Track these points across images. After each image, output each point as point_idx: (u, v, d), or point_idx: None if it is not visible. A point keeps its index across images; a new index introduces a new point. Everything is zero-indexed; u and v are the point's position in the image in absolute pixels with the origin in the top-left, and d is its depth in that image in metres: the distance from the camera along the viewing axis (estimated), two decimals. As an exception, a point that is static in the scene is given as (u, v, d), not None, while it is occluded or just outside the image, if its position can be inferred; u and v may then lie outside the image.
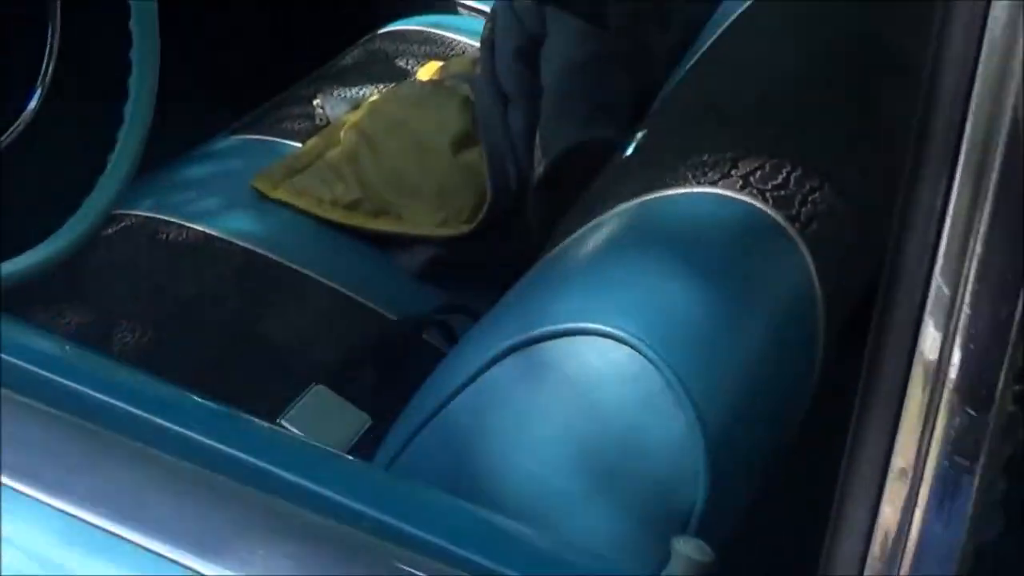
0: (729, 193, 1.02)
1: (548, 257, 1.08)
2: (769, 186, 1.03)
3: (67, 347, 1.03)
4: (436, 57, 1.94)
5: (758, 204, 1.02)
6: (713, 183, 1.02)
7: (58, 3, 1.25)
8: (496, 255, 1.52)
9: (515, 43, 1.56)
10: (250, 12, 2.35)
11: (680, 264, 0.97)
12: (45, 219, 1.35)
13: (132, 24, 1.29)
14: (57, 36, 1.27)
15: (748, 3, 1.40)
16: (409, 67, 1.92)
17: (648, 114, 1.35)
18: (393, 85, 1.84)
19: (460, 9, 2.27)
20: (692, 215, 1.03)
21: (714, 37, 1.41)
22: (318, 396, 1.34)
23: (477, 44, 1.93)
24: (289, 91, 1.88)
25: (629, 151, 1.12)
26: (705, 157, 1.05)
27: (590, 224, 1.05)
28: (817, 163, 1.10)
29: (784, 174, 1.04)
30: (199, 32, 2.55)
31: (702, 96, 1.29)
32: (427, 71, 1.85)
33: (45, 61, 1.27)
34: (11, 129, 1.22)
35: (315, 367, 1.39)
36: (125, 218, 1.56)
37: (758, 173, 1.03)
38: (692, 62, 1.41)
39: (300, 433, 1.26)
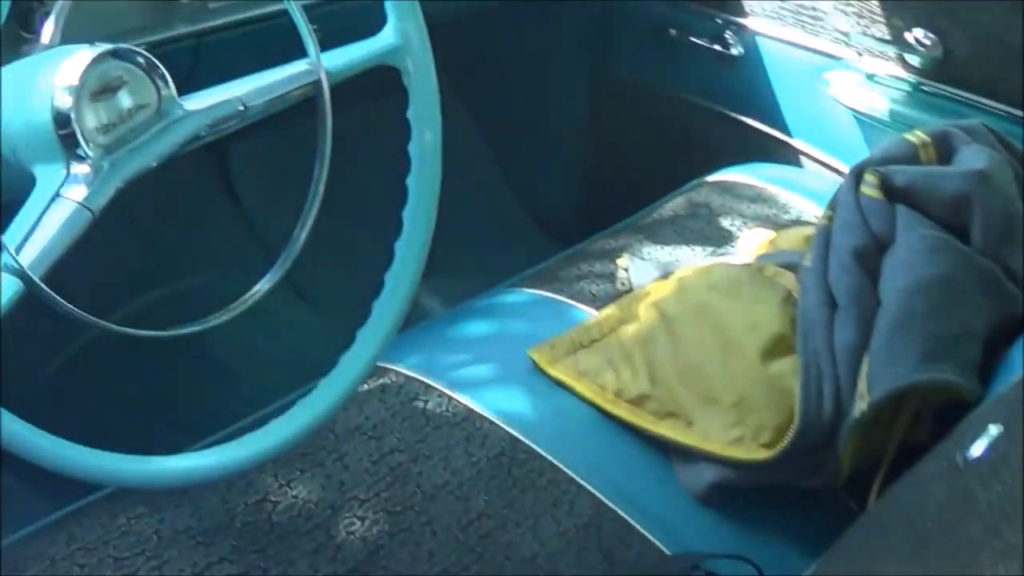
0: None
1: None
2: None
3: None
4: (766, 221, 1.72)
5: None
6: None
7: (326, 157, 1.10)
8: (793, 491, 1.28)
9: (855, 241, 1.32)
10: (571, 143, 2.23)
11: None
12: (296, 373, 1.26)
13: (412, 152, 1.20)
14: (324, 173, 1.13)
15: None
16: (734, 229, 1.71)
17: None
18: (711, 252, 1.63)
19: (803, 159, 2.05)
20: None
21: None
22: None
23: (817, 211, 1.71)
24: (593, 241, 1.69)
25: (974, 450, 0.87)
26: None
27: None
28: None
29: None
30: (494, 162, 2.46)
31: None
32: (752, 240, 1.63)
33: (308, 205, 1.13)
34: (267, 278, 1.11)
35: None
36: (386, 373, 1.39)
37: None
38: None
39: None
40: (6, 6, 1.20)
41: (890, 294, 1.26)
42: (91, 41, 1.11)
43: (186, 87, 1.58)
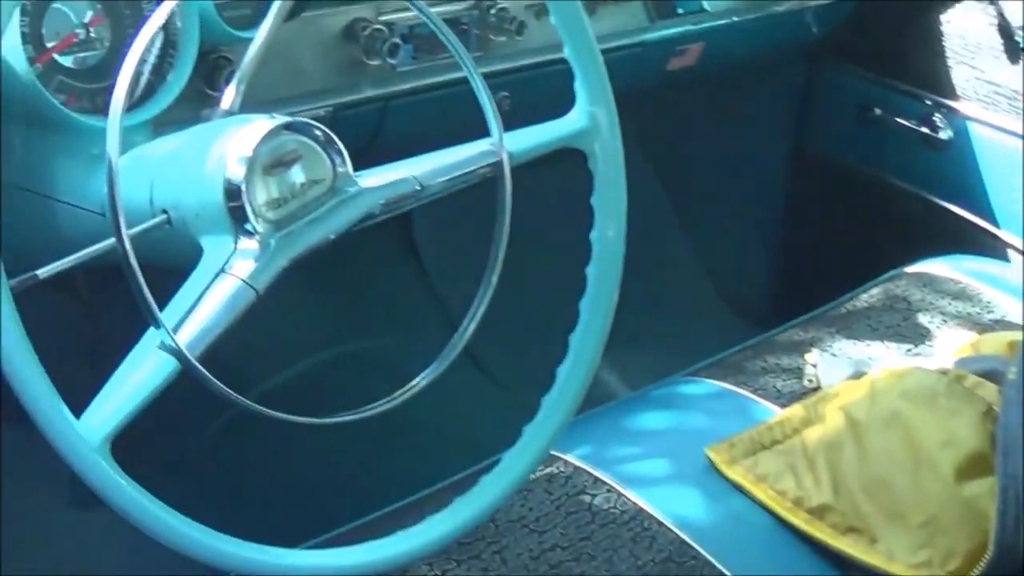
0: None
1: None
2: None
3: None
4: (968, 320, 1.63)
5: None
6: None
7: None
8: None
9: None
10: (764, 220, 2.17)
11: None
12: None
13: (594, 241, 1.16)
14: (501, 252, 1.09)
15: None
16: (932, 327, 1.62)
17: None
18: (906, 352, 1.54)
19: (1011, 254, 1.95)
20: None
21: None
22: None
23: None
24: (782, 330, 1.62)
25: None
26: None
27: None
28: None
29: None
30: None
31: None
32: (952, 342, 1.54)
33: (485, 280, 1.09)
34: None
35: None
36: (554, 462, 1.34)
37: None
38: None
39: None
40: (187, 68, 1.19)
41: (1103, 419, 1.17)
42: (270, 109, 1.08)
43: (369, 150, 1.56)
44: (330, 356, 1.97)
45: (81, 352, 1.68)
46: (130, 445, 0.90)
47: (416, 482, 1.33)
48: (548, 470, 1.33)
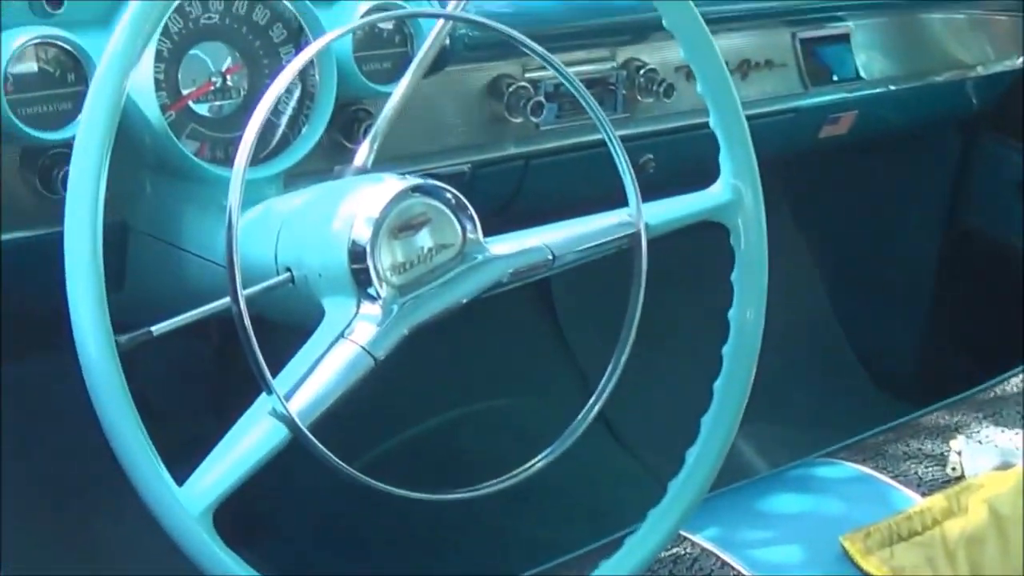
0: None
1: None
2: None
3: None
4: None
5: None
6: None
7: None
8: None
9: None
10: (914, 294, 2.11)
11: None
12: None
13: (732, 321, 1.12)
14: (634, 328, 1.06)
15: None
16: (1087, 415, 1.54)
17: None
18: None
19: None
20: None
21: None
22: None
23: None
24: (927, 412, 1.56)
25: None
26: None
27: None
28: None
29: None
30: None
31: None
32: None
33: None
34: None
35: None
36: (681, 542, 1.29)
37: None
38: None
39: None
40: (322, 121, 1.18)
41: None
42: (408, 164, 1.06)
43: (508, 209, 1.53)
44: (455, 416, 1.94)
45: (208, 400, 1.68)
46: (234, 509, 0.88)
47: (536, 554, 1.29)
48: (674, 550, 1.28)
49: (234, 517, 0.88)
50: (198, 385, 1.76)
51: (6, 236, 1.12)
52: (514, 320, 2.09)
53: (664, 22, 1.10)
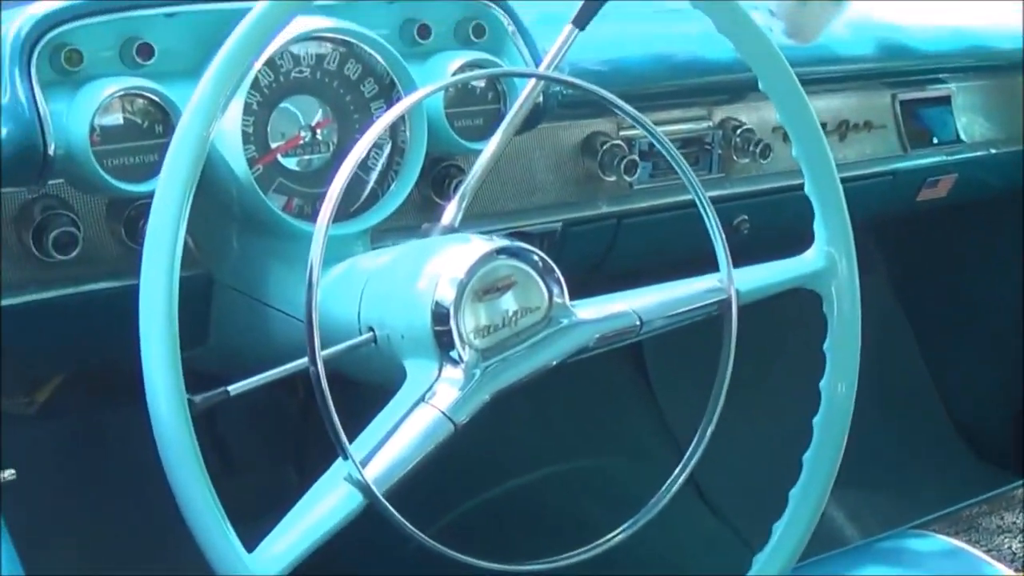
0: None
1: None
2: None
3: None
4: None
5: None
6: None
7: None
8: None
9: None
10: (1011, 355, 2.06)
11: None
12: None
13: (823, 391, 1.10)
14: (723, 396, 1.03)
15: None
16: None
17: None
18: None
19: None
20: None
21: None
22: None
23: None
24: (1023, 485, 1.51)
25: None
26: None
27: None
28: None
29: None
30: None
31: None
32: None
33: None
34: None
35: None
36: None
37: None
38: None
39: None
40: (411, 178, 1.16)
41: None
42: (498, 222, 1.04)
43: (599, 268, 1.51)
44: (540, 476, 1.91)
45: (290, 453, 1.66)
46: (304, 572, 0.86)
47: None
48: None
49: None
50: (281, 436, 1.75)
51: (93, 286, 1.12)
52: (603, 378, 2.06)
53: (760, 84, 1.07)
